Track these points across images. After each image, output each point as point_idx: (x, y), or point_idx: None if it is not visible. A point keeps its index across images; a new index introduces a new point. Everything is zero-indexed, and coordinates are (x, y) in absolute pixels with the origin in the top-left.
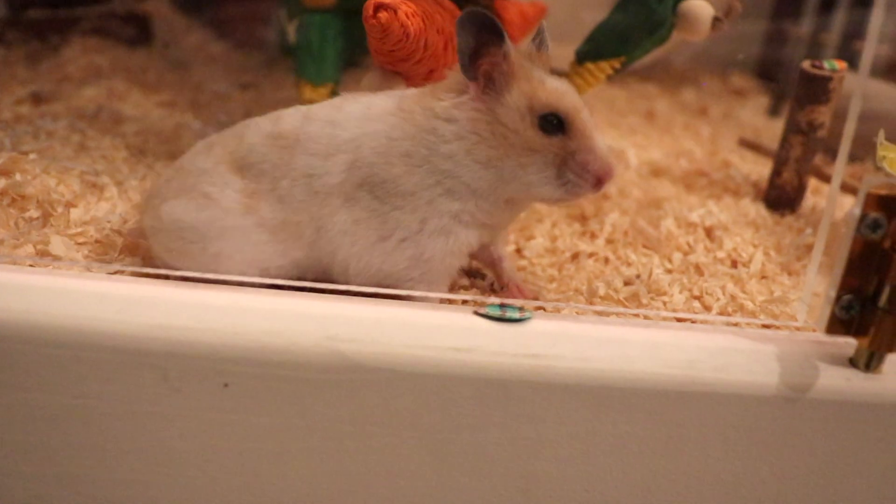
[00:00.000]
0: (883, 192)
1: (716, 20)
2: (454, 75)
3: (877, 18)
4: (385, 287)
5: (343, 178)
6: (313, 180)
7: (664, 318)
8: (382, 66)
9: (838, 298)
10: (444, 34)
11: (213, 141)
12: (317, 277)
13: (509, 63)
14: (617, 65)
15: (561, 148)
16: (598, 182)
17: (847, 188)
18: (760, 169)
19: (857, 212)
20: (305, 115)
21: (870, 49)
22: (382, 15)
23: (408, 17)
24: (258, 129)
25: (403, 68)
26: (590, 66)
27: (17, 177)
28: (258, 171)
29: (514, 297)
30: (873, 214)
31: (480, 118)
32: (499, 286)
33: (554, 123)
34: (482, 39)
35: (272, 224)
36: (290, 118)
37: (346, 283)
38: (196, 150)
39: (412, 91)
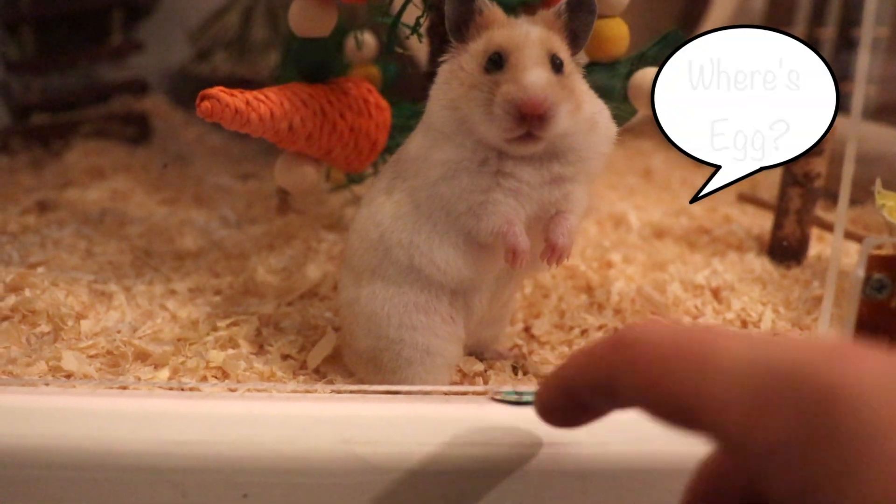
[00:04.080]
0: (885, 252)
1: None
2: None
3: (863, 61)
4: None
5: None
6: None
7: None
8: (281, 148)
9: None
10: (328, 118)
11: None
12: None
13: (483, 17)
14: None
15: (495, 83)
16: (522, 116)
17: (849, 235)
18: (762, 221)
19: (861, 274)
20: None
21: (860, 92)
22: (205, 105)
23: (248, 103)
24: None
25: (294, 149)
26: None
27: (27, 292)
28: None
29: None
30: (878, 275)
31: (450, 68)
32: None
33: (495, 61)
34: (464, 4)
35: None
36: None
37: None
38: None
39: None
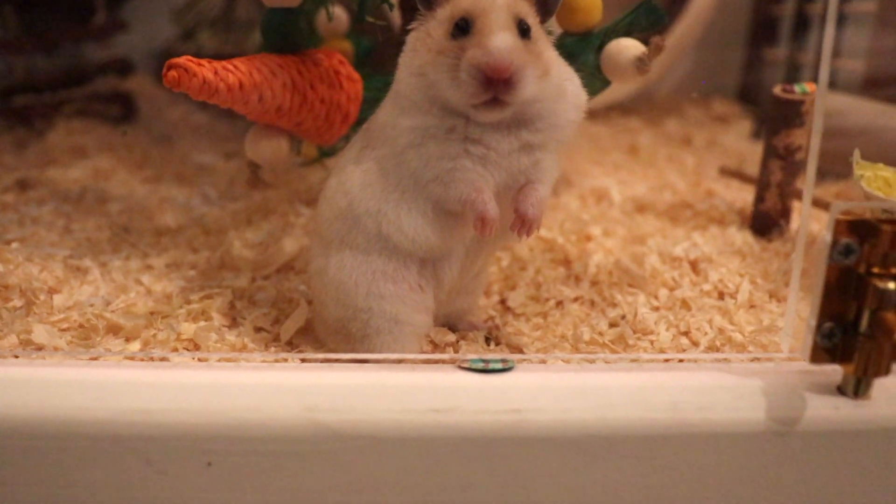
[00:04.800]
0: (852, 217)
1: (638, 62)
2: None
3: (829, 35)
4: None
5: None
6: None
7: (650, 360)
8: (251, 120)
9: (819, 327)
10: (298, 89)
11: None
12: None
13: None
14: None
15: (461, 48)
16: (487, 80)
17: (828, 207)
18: (745, 196)
19: (828, 238)
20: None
21: (825, 65)
22: (171, 74)
23: (216, 73)
24: None
25: (265, 120)
26: None
27: (0, 267)
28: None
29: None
30: (844, 240)
31: (418, 35)
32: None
33: (461, 27)
34: None
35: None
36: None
37: None
38: None
39: None
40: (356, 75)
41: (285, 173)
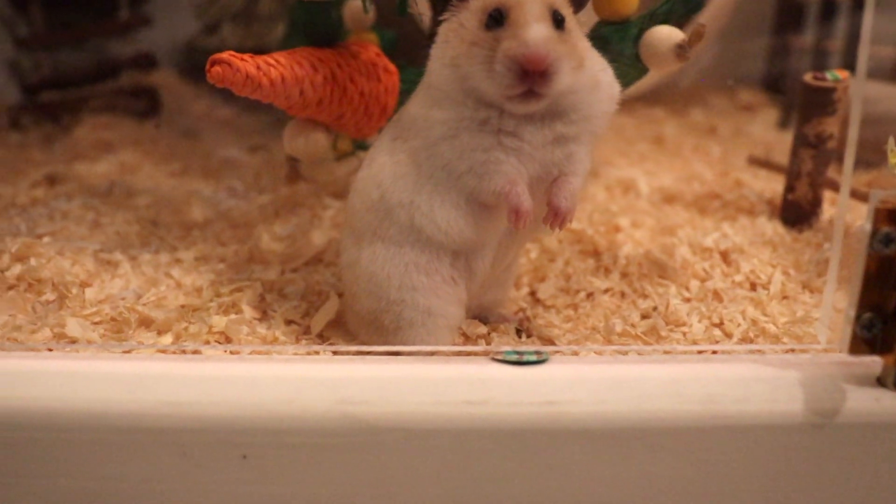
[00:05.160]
0: (891, 205)
1: (679, 49)
2: None
3: (868, 21)
4: None
5: None
6: None
7: (684, 352)
8: (290, 114)
9: (858, 317)
10: (339, 82)
11: None
12: None
13: None
14: None
15: (495, 40)
16: (523, 72)
17: (862, 197)
18: (774, 185)
19: (868, 228)
20: None
21: (864, 52)
22: (215, 70)
23: (259, 67)
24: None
25: (305, 114)
26: None
27: (32, 261)
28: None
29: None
30: (885, 229)
31: (451, 26)
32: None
33: (496, 18)
34: None
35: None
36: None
37: None
38: None
39: None
40: (392, 67)
41: (323, 167)
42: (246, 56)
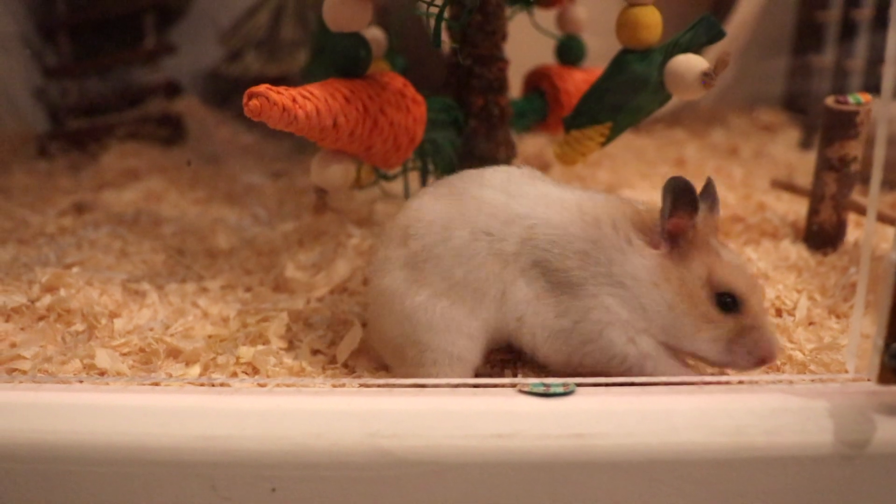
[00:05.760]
0: None
1: (704, 76)
2: (643, 218)
3: (893, 41)
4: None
5: (517, 249)
6: (493, 241)
7: (712, 383)
8: (321, 146)
9: (887, 346)
10: (370, 113)
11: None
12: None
13: (695, 232)
14: (605, 131)
15: (735, 324)
16: (762, 362)
17: (888, 220)
18: (797, 208)
19: (895, 256)
20: (479, 176)
21: (889, 74)
22: (253, 103)
23: (294, 100)
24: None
25: (335, 146)
26: (576, 133)
27: (62, 292)
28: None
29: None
30: None
31: (670, 271)
32: None
33: (729, 302)
34: (678, 204)
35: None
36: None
37: (535, 351)
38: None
39: (590, 196)
40: (420, 97)
41: (343, 195)
42: (281, 88)
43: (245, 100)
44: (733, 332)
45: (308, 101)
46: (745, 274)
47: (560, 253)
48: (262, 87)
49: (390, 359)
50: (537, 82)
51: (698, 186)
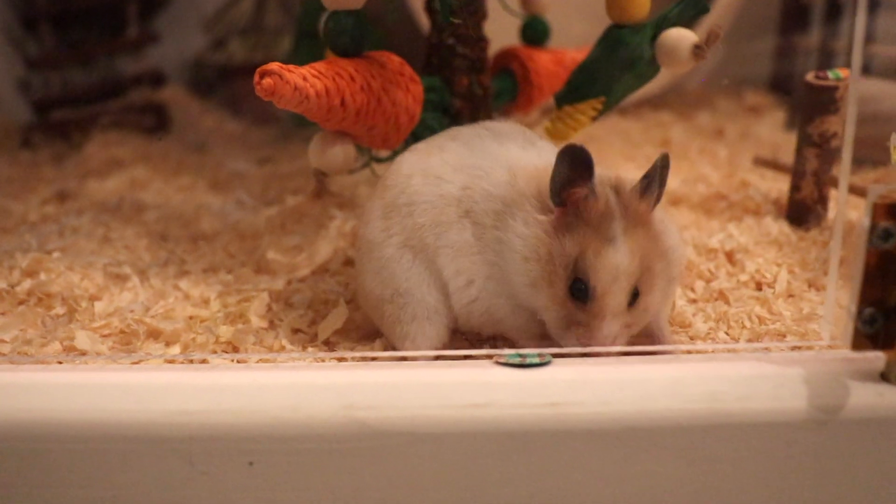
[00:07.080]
0: (890, 200)
1: (696, 49)
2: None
3: (860, 21)
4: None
5: (459, 195)
6: (441, 183)
7: (687, 351)
8: (323, 127)
9: (860, 313)
10: (374, 92)
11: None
12: None
13: (590, 206)
14: (598, 105)
15: (577, 312)
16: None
17: (863, 193)
18: (780, 185)
19: (867, 223)
20: (456, 131)
21: (858, 50)
22: (266, 81)
23: (305, 79)
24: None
25: (339, 127)
26: (568, 109)
27: (42, 276)
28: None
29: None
30: (883, 224)
31: (544, 244)
32: None
33: (581, 289)
34: (575, 171)
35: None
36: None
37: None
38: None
39: (539, 159)
40: (417, 77)
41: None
42: (291, 67)
43: (257, 78)
44: (574, 319)
45: (318, 79)
46: (613, 273)
47: (482, 209)
48: (274, 65)
49: (373, 313)
50: (506, 63)
51: (681, 167)
